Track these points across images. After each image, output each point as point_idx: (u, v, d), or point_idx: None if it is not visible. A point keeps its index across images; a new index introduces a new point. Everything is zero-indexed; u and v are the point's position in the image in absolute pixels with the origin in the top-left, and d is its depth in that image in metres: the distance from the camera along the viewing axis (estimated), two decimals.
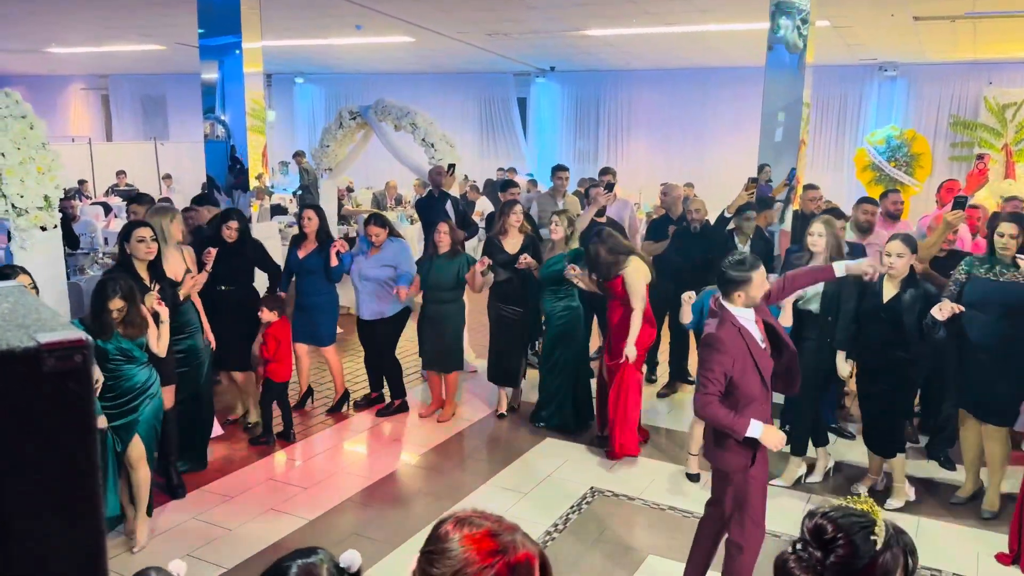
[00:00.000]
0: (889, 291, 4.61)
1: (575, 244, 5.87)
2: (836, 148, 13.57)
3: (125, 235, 4.64)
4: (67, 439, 0.86)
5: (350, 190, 13.55)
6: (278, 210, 11.58)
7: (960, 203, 5.44)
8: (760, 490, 3.50)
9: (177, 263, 5.07)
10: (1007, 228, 4.52)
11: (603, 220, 6.77)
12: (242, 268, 5.78)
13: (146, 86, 18.78)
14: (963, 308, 4.33)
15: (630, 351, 5.22)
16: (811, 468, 5.21)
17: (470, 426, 6.11)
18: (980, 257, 4.74)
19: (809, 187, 7.31)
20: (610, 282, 5.35)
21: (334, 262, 5.91)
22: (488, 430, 6.07)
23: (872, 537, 1.55)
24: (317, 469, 5.36)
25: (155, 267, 4.75)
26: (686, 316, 4.99)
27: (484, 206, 11.77)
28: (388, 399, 6.41)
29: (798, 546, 1.62)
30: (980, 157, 6.03)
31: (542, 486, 5.11)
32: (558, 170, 7.63)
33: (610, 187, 6.85)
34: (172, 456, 4.89)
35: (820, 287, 4.94)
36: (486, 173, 14.88)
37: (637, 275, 5.26)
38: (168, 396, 4.67)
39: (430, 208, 7.27)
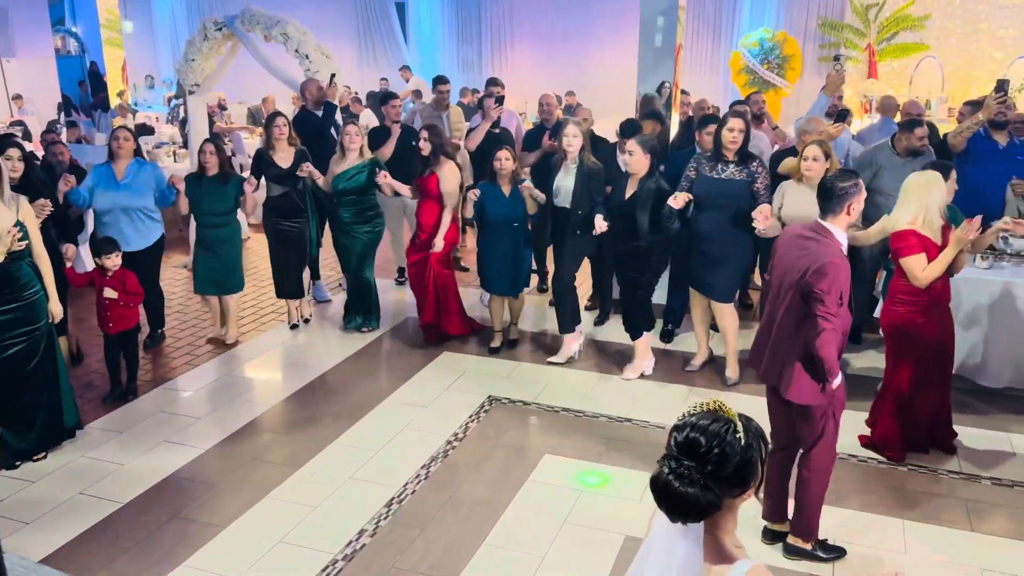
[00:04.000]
0: (630, 188, 5.07)
1: (369, 155, 6.06)
2: (712, 52, 13.81)
3: None
4: None
5: (222, 107, 12.84)
6: (145, 130, 10.90)
7: (843, 115, 5.72)
8: (837, 421, 3.47)
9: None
10: (735, 123, 5.00)
11: (499, 132, 6.72)
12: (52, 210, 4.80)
13: None
14: (691, 196, 4.91)
15: (438, 241, 5.77)
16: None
17: (367, 345, 6.11)
18: (707, 155, 5.19)
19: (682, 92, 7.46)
20: (424, 179, 5.81)
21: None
22: (385, 349, 6.10)
23: (737, 435, 1.62)
24: (208, 399, 5.27)
25: None
26: (468, 211, 5.73)
27: (369, 119, 11.41)
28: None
29: (672, 464, 1.62)
30: (836, 59, 6.30)
31: (441, 399, 5.21)
32: (439, 82, 7.47)
33: (500, 100, 6.78)
34: None
35: (571, 184, 5.43)
36: (368, 84, 14.38)
37: (453, 178, 5.77)
38: None
39: (307, 124, 6.97)
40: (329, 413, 5.05)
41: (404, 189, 6.06)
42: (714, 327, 5.60)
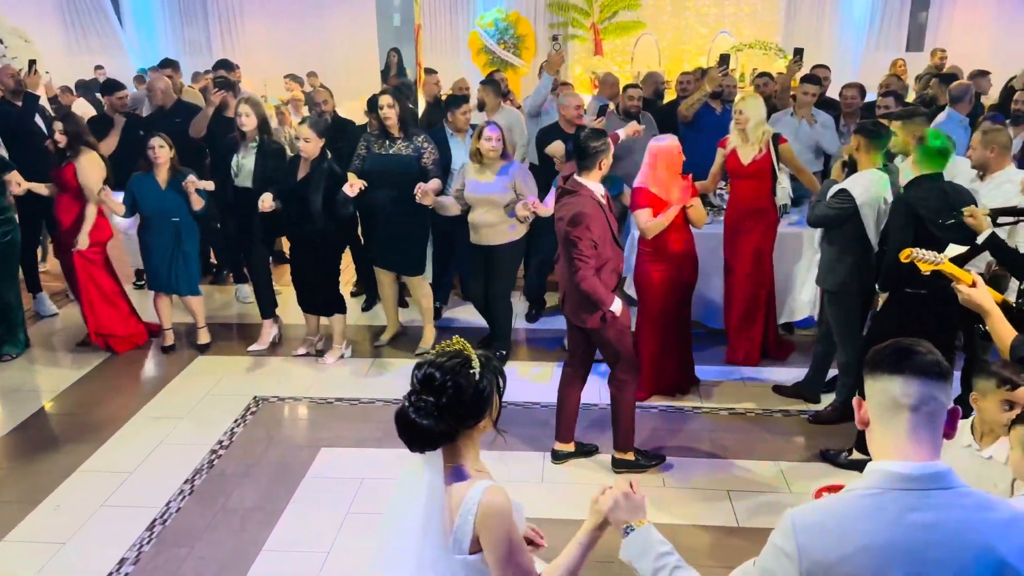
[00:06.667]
0: (302, 170, 5.03)
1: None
2: (451, 32, 14.00)
3: None
4: None
5: None
6: None
7: (603, 110, 6.05)
8: (627, 331, 3.94)
9: None
10: (384, 100, 5.19)
11: (230, 117, 6.33)
12: None
13: None
14: (365, 183, 4.92)
15: (82, 238, 5.30)
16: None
17: (103, 362, 5.52)
18: (375, 132, 5.35)
19: (428, 71, 7.50)
20: (60, 171, 5.33)
21: None
22: (127, 362, 5.54)
23: (471, 371, 1.79)
24: None
25: None
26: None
27: (84, 109, 10.27)
28: None
29: (412, 398, 1.79)
30: (555, 38, 6.69)
31: (200, 407, 4.86)
32: (163, 66, 6.90)
33: (220, 83, 6.40)
34: None
35: (250, 165, 5.39)
36: (80, 72, 12.91)
37: (92, 168, 5.32)
38: None
39: (3, 117, 6.11)
40: (68, 439, 4.51)
41: (40, 188, 5.46)
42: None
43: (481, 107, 6.32)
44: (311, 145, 4.93)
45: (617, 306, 3.79)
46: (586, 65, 12.86)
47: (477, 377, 1.79)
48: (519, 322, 6.05)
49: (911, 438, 1.47)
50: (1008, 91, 6.61)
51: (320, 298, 5.31)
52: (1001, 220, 3.56)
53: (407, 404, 1.78)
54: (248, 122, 5.31)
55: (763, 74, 7.37)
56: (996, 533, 1.41)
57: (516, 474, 4.03)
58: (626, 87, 6.16)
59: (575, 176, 3.82)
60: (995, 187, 4.17)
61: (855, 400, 1.59)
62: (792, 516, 1.49)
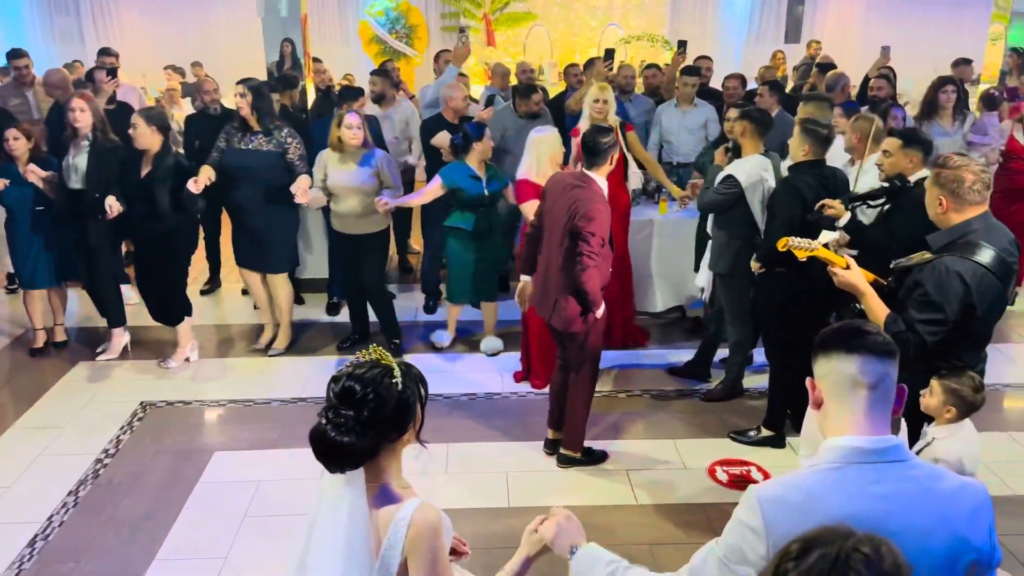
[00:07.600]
0: (145, 166, 4.74)
1: None
2: (340, 22, 13.71)
3: None
4: None
5: None
6: None
7: (490, 100, 6.00)
8: (601, 332, 3.92)
9: None
10: (238, 89, 4.94)
11: (113, 108, 6.05)
12: None
13: None
14: (212, 179, 4.75)
15: None
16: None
17: None
18: (235, 125, 5.06)
19: (316, 60, 7.34)
20: None
21: None
22: (2, 370, 5.21)
23: (393, 380, 1.69)
24: None
25: None
26: None
27: None
28: None
29: (330, 414, 1.67)
30: (462, 31, 6.64)
31: (83, 414, 4.61)
32: (13, 56, 6.52)
33: (113, 72, 6.10)
34: None
35: (83, 164, 4.99)
36: None
37: None
38: None
39: None
40: None
41: None
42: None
43: (378, 99, 6.22)
44: (139, 132, 4.63)
45: (601, 309, 3.79)
46: (479, 56, 12.86)
47: (400, 387, 1.68)
48: (419, 315, 6.01)
49: (868, 415, 1.54)
50: (867, 80, 7.01)
51: (165, 304, 5.04)
52: (851, 205, 3.78)
53: (324, 421, 1.66)
54: (82, 118, 4.89)
55: (651, 65, 7.56)
56: (948, 501, 1.50)
57: (419, 465, 4.01)
58: (527, 91, 6.05)
59: (583, 169, 3.75)
60: (862, 173, 4.40)
61: (808, 382, 1.63)
62: (757, 492, 1.51)
